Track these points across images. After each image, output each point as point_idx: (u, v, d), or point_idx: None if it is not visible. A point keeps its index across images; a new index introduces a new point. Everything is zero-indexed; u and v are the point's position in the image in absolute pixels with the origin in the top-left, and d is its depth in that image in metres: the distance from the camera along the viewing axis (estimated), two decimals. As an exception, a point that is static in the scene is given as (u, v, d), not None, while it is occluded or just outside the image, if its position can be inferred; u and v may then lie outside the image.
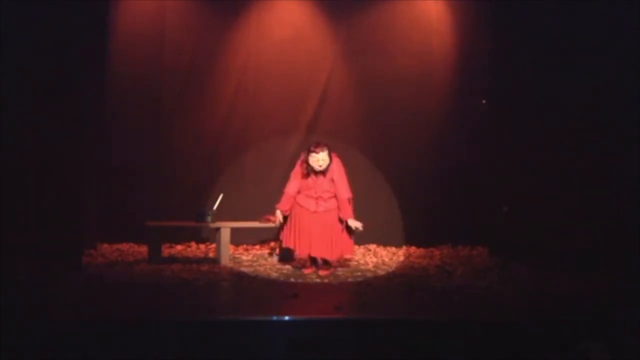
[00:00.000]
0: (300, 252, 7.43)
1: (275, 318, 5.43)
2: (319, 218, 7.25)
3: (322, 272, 7.30)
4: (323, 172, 7.24)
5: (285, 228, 7.42)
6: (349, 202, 7.27)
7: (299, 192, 7.32)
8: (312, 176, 7.26)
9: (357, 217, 7.34)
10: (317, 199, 7.24)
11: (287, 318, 5.42)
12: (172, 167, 8.69)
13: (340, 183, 7.24)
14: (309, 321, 5.49)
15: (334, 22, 8.88)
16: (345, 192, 7.25)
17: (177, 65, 8.71)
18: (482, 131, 8.55)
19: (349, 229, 7.29)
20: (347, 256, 7.61)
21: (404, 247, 8.63)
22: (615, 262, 6.88)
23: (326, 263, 7.40)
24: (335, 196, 7.25)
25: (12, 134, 6.78)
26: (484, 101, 8.56)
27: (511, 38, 7.90)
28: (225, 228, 7.73)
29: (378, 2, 8.84)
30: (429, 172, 8.80)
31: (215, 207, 7.86)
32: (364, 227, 7.33)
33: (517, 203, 7.78)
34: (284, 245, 7.55)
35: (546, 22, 7.45)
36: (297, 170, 7.34)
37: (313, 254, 7.36)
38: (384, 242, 8.71)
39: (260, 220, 7.96)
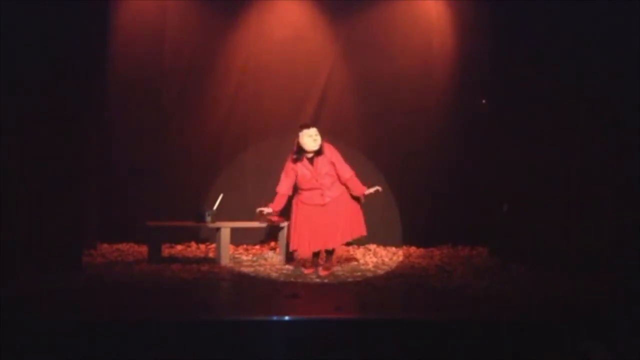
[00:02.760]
0: (310, 250, 7.32)
1: (275, 318, 5.43)
2: (328, 209, 7.22)
3: (322, 272, 7.30)
4: (318, 153, 7.23)
5: (294, 231, 7.36)
6: (356, 177, 7.29)
7: (301, 190, 7.30)
8: (308, 165, 7.23)
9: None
10: (321, 188, 7.21)
11: (287, 318, 5.42)
12: (172, 166, 8.70)
13: (340, 164, 7.27)
14: (309, 321, 5.48)
15: (334, 22, 8.90)
16: (348, 171, 7.28)
17: (177, 66, 8.72)
18: (482, 131, 8.55)
19: (357, 208, 7.30)
20: (362, 235, 7.48)
21: (404, 247, 8.64)
22: (615, 262, 6.88)
23: (329, 253, 7.36)
24: (337, 180, 7.25)
25: (12, 134, 6.77)
26: (484, 101, 8.56)
27: (511, 38, 7.90)
28: (225, 228, 7.73)
29: (378, 2, 8.86)
30: (429, 172, 8.80)
31: (215, 207, 7.85)
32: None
33: (517, 203, 7.78)
34: (291, 248, 7.46)
35: (546, 22, 7.45)
36: (288, 169, 7.32)
37: (328, 247, 7.30)
38: (384, 242, 8.72)
39: (260, 221, 7.96)
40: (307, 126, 7.30)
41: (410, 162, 8.81)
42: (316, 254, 7.43)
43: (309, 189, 7.26)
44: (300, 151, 7.25)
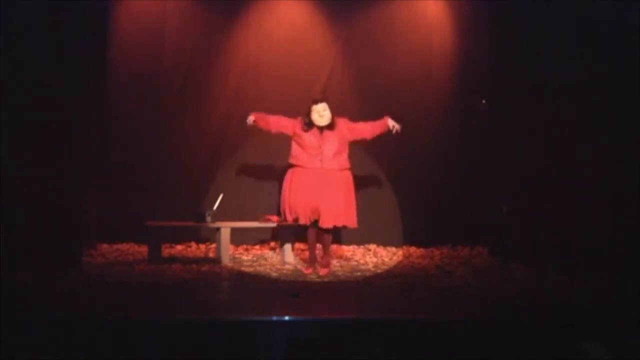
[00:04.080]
0: (306, 217, 7.21)
1: (275, 318, 5.43)
2: (325, 179, 7.19)
3: (321, 272, 7.30)
4: (329, 128, 7.25)
5: (288, 197, 7.28)
6: (373, 122, 7.45)
7: (300, 155, 7.25)
8: (317, 132, 7.25)
9: (359, 217, 7.38)
10: (321, 154, 7.20)
11: (287, 318, 5.42)
12: (172, 167, 8.69)
13: (359, 127, 7.41)
14: (309, 321, 5.48)
15: (334, 22, 8.89)
16: (366, 125, 7.44)
17: (177, 65, 8.72)
18: (482, 131, 8.55)
19: (352, 199, 7.27)
20: (351, 226, 7.39)
21: (404, 247, 8.63)
22: (615, 262, 6.88)
23: (326, 231, 7.26)
24: (341, 155, 7.26)
25: (12, 134, 6.77)
26: (483, 101, 8.56)
27: (511, 38, 7.90)
28: (225, 228, 7.73)
29: (378, 2, 8.85)
30: (429, 172, 8.80)
31: (215, 207, 7.85)
32: (362, 226, 7.41)
33: (517, 203, 7.78)
34: (287, 218, 7.38)
35: (546, 22, 7.45)
36: (292, 123, 7.35)
37: (321, 218, 7.18)
38: (384, 242, 8.71)
39: (260, 220, 7.96)
40: (317, 101, 7.33)
41: (410, 161, 8.80)
42: (313, 252, 7.40)
43: (311, 155, 7.25)
44: (310, 124, 7.28)
